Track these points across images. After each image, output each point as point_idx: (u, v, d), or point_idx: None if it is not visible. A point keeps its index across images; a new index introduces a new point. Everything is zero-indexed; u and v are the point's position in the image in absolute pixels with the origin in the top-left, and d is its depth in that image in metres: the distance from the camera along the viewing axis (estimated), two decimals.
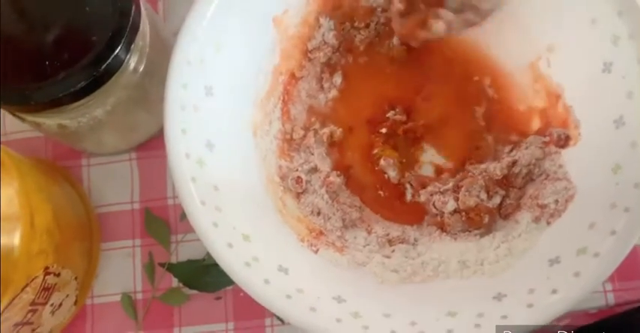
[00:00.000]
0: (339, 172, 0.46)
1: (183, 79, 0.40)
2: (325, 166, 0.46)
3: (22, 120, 0.41)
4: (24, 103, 0.37)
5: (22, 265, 0.37)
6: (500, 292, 0.38)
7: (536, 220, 0.41)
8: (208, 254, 0.38)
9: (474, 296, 0.39)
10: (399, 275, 0.41)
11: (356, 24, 0.47)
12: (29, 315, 0.40)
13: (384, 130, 0.47)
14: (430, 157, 0.47)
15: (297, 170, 0.45)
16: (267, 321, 0.45)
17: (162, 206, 0.48)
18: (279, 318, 0.44)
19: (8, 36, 0.38)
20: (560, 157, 0.43)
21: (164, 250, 0.47)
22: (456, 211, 0.44)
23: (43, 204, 0.40)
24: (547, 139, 0.44)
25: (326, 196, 0.45)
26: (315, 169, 0.46)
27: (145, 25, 0.41)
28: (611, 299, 0.44)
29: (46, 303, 0.41)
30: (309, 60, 0.47)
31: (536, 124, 0.45)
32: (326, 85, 0.48)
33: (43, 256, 0.39)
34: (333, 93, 0.48)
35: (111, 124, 0.43)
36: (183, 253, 0.47)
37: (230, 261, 0.37)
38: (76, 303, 0.45)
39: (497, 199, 0.44)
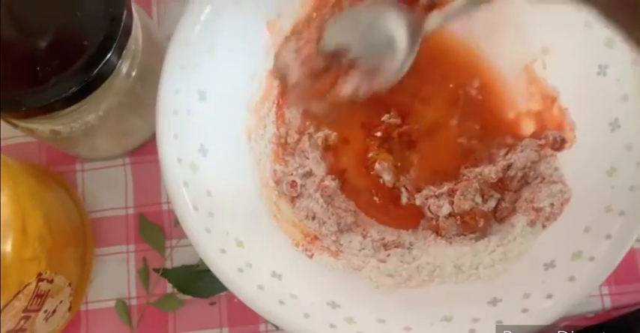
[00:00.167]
0: (333, 176, 0.46)
1: (176, 84, 0.40)
2: (320, 170, 0.46)
3: (15, 126, 0.41)
4: (16, 109, 0.37)
5: (14, 272, 0.37)
6: (495, 296, 0.38)
7: (532, 223, 0.41)
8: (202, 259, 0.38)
9: (469, 301, 0.39)
10: (395, 280, 0.41)
11: None
12: (22, 322, 0.40)
13: (378, 134, 0.47)
14: (425, 161, 0.46)
15: (291, 174, 0.45)
16: (262, 327, 0.45)
17: (156, 211, 0.48)
18: (273, 324, 0.44)
19: None
20: (555, 160, 0.43)
21: (158, 255, 0.47)
22: (451, 215, 0.43)
23: (36, 210, 0.40)
24: (543, 142, 0.43)
25: (321, 201, 0.45)
26: (309, 174, 0.46)
27: (137, 30, 0.41)
28: (608, 303, 0.44)
29: (39, 310, 0.41)
30: None
31: (531, 127, 0.45)
32: None
33: (35, 262, 0.39)
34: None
35: (104, 130, 0.43)
36: (177, 258, 0.47)
37: (223, 267, 0.37)
38: (70, 309, 0.45)
39: (492, 203, 0.43)
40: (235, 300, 0.44)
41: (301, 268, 0.41)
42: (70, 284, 0.44)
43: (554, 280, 0.37)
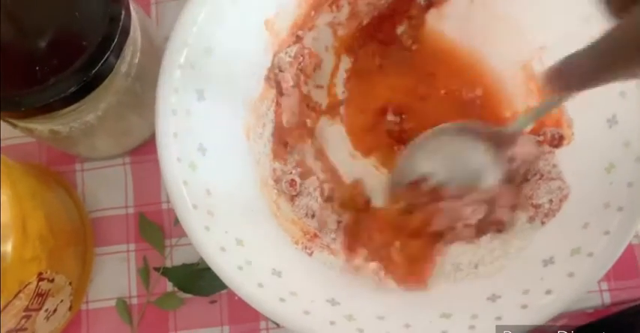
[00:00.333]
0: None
1: (174, 84, 0.40)
2: (318, 169, 0.46)
3: (14, 126, 0.41)
4: (15, 108, 0.37)
5: (14, 271, 0.37)
6: (495, 293, 0.38)
7: (531, 220, 0.41)
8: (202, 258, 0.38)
9: (468, 298, 0.39)
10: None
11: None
12: (23, 321, 0.40)
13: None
14: None
15: (291, 173, 0.45)
16: (262, 324, 0.45)
17: (156, 211, 0.48)
18: (273, 321, 0.44)
19: None
20: (554, 157, 0.43)
21: (159, 254, 0.47)
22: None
23: (36, 210, 0.40)
24: (541, 138, 0.43)
25: (320, 199, 0.45)
26: (309, 172, 0.46)
27: (135, 30, 0.41)
28: (607, 298, 0.44)
29: (40, 309, 0.41)
30: None
31: None
32: None
33: (36, 261, 0.39)
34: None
35: (103, 129, 0.43)
36: (177, 257, 0.47)
37: (223, 265, 0.37)
38: (70, 308, 0.45)
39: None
40: (236, 298, 0.44)
41: (301, 266, 0.41)
42: (70, 283, 0.44)
43: (554, 276, 0.37)
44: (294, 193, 0.45)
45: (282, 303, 0.37)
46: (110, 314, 0.46)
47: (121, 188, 0.48)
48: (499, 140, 0.40)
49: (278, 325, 0.45)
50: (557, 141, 0.42)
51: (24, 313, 0.39)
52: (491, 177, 0.41)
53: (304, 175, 0.46)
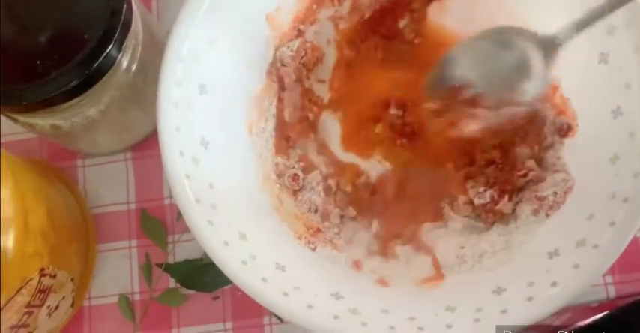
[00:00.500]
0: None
1: (176, 77, 0.39)
2: (321, 163, 0.46)
3: (15, 121, 0.41)
4: (16, 103, 0.37)
5: (16, 267, 0.37)
6: (500, 286, 0.38)
7: (535, 212, 0.41)
8: (205, 254, 0.38)
9: (473, 291, 0.39)
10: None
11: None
12: (25, 317, 0.39)
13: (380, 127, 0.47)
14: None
15: (293, 168, 0.45)
16: (266, 319, 0.45)
17: (158, 206, 0.48)
18: (277, 316, 0.44)
19: None
20: (561, 148, 0.42)
21: (161, 250, 0.47)
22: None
23: (38, 205, 0.40)
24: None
25: (323, 194, 0.45)
26: (311, 167, 0.46)
27: (137, 24, 0.41)
28: (612, 292, 0.44)
29: (42, 305, 0.41)
30: None
31: None
32: None
33: (38, 257, 0.39)
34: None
35: (105, 124, 0.43)
36: (180, 253, 0.47)
37: (226, 259, 0.37)
38: (72, 305, 0.45)
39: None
40: (239, 293, 0.45)
41: (304, 260, 0.41)
42: (72, 280, 0.44)
43: (559, 268, 0.37)
44: (296, 188, 0.45)
45: (285, 297, 0.37)
46: (112, 311, 0.46)
47: (123, 184, 0.48)
48: (544, 45, 0.38)
49: (281, 321, 0.45)
50: (565, 131, 0.42)
51: (26, 310, 0.39)
52: (531, 89, 0.39)
53: (307, 169, 0.45)
